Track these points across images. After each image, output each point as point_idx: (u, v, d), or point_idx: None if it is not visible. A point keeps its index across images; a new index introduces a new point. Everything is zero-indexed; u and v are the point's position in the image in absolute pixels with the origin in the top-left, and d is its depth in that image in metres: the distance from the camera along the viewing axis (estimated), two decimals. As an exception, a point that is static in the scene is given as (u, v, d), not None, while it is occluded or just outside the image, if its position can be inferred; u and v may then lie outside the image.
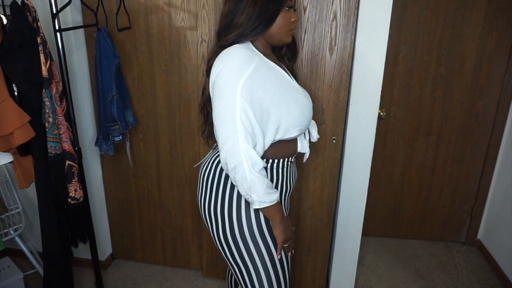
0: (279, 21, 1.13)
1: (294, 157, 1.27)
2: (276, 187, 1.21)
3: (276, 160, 1.18)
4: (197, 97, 1.83)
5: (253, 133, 1.05)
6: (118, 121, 1.76)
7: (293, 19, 1.17)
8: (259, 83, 1.05)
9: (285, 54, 1.32)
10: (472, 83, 2.18)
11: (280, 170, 1.21)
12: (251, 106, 1.03)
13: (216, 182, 1.19)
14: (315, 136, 1.32)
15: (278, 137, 1.13)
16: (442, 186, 2.41)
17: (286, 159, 1.22)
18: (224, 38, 1.13)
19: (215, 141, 1.21)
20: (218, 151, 1.21)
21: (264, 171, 1.08)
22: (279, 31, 1.15)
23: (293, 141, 1.23)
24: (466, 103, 2.22)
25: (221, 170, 1.19)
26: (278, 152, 1.18)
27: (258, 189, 1.05)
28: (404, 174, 2.42)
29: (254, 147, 1.06)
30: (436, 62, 2.16)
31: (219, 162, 1.20)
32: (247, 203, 1.16)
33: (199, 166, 1.33)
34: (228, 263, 1.23)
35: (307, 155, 1.32)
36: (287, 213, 1.28)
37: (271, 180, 1.19)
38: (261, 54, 1.14)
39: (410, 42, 2.14)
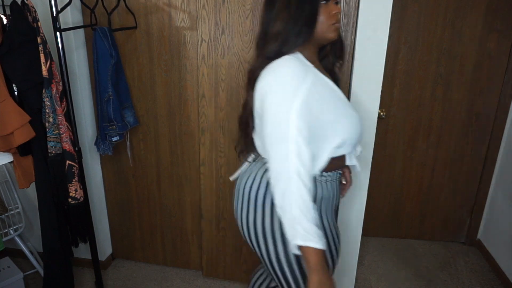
0: (320, 18, 1.02)
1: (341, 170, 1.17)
2: (328, 201, 1.12)
3: (327, 173, 1.09)
4: (197, 97, 1.83)
5: (307, 155, 0.94)
6: (114, 121, 1.75)
7: (334, 11, 1.03)
8: (316, 103, 0.97)
9: (329, 53, 1.18)
10: (472, 83, 2.18)
11: (330, 183, 1.11)
12: (307, 127, 0.94)
13: (269, 200, 1.08)
14: (358, 150, 1.19)
15: (332, 155, 1.05)
16: (442, 186, 2.41)
17: (336, 172, 1.13)
18: (267, 50, 1.02)
19: (251, 155, 1.22)
20: (265, 167, 1.11)
21: (314, 205, 0.97)
22: (321, 28, 1.03)
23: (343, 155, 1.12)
24: (466, 103, 2.22)
25: None
26: (329, 166, 1.08)
27: (305, 221, 0.92)
28: (404, 174, 2.42)
29: (307, 169, 0.95)
30: (436, 62, 2.16)
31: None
32: None
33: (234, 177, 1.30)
34: (278, 281, 1.14)
35: (358, 168, 1.18)
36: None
37: (321, 193, 1.10)
38: (312, 66, 1.04)
39: (410, 42, 2.14)
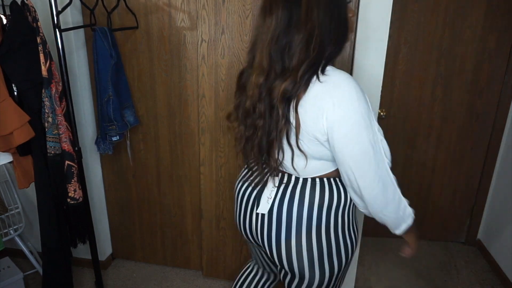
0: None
1: None
2: None
3: None
4: (197, 97, 1.83)
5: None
6: (114, 121, 1.75)
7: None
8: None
9: None
10: (472, 83, 2.18)
11: None
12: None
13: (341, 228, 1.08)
14: None
15: None
16: (442, 186, 2.41)
17: None
18: (312, 63, 0.91)
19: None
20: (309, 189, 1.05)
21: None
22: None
23: None
24: (466, 103, 2.22)
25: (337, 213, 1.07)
26: None
27: (406, 205, 1.03)
28: (404, 174, 2.42)
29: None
30: (436, 62, 2.16)
31: (337, 207, 1.06)
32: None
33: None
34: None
35: None
36: None
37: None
38: None
39: (410, 42, 2.14)
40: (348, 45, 1.58)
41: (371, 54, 1.60)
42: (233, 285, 1.49)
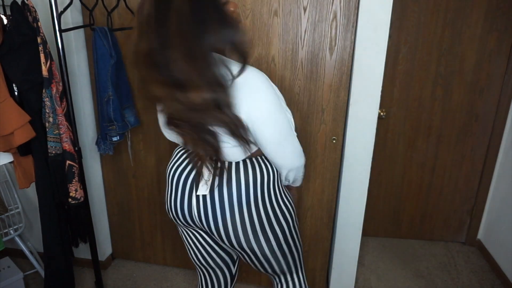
0: None
1: None
2: None
3: None
4: (197, 97, 1.82)
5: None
6: (114, 121, 1.75)
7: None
8: None
9: None
10: (472, 83, 2.18)
11: None
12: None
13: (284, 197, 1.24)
14: None
15: None
16: (442, 186, 2.41)
17: None
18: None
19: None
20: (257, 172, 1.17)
21: None
22: None
23: None
24: (466, 103, 2.22)
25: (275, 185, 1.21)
26: None
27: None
28: (404, 174, 2.42)
29: None
30: (436, 62, 2.16)
31: (268, 182, 1.19)
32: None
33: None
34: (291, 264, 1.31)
35: None
36: None
37: None
38: None
39: (410, 42, 2.14)
40: (348, 45, 1.58)
41: (371, 54, 1.60)
42: None
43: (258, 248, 1.20)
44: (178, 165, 1.24)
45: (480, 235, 2.47)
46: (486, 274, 2.23)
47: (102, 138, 1.82)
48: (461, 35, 2.10)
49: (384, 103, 2.23)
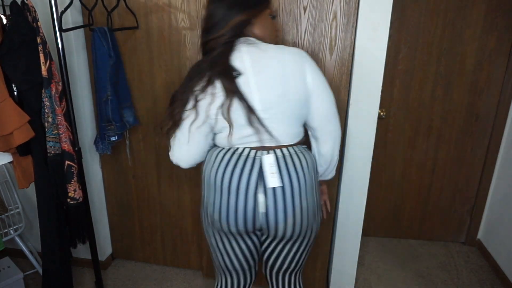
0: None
1: None
2: None
3: None
4: (197, 97, 1.82)
5: None
6: (113, 121, 1.75)
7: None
8: None
9: None
10: (472, 83, 2.18)
11: None
12: None
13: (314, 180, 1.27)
14: None
15: None
16: (442, 186, 2.41)
17: None
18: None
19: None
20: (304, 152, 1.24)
21: None
22: None
23: None
24: (466, 103, 2.22)
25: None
26: None
27: None
28: (404, 174, 2.42)
29: None
30: (436, 62, 2.16)
31: (315, 168, 1.27)
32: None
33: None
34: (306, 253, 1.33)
35: None
36: None
37: None
38: None
39: (410, 42, 2.14)
40: (348, 45, 1.58)
41: (371, 54, 1.60)
42: None
43: (311, 234, 1.26)
44: (224, 169, 1.18)
45: (480, 235, 2.46)
46: (486, 274, 2.23)
47: (100, 137, 1.82)
48: (461, 35, 2.10)
49: (384, 103, 2.23)
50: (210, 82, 1.12)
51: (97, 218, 2.11)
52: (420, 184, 2.43)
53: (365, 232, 2.22)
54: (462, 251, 2.45)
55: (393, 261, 2.35)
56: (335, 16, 1.55)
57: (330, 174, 1.37)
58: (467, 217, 2.46)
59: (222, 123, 1.15)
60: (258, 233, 1.28)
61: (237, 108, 1.12)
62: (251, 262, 1.35)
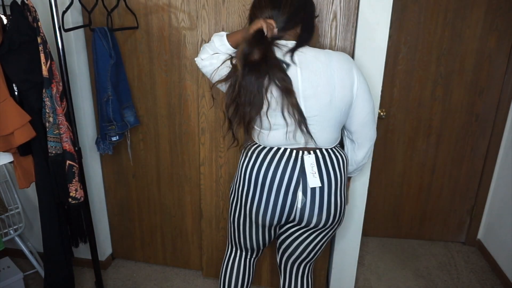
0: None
1: None
2: None
3: None
4: (197, 97, 1.83)
5: None
6: (114, 121, 1.75)
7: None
8: None
9: None
10: (472, 83, 2.18)
11: None
12: None
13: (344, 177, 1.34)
14: None
15: None
16: (442, 186, 2.41)
17: None
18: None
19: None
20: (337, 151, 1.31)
21: None
22: None
23: None
24: (466, 103, 2.22)
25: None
26: None
27: None
28: (404, 174, 2.42)
29: None
30: (436, 62, 2.16)
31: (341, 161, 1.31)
32: None
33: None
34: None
35: None
36: None
37: None
38: None
39: (410, 42, 2.14)
40: (348, 45, 1.58)
41: (371, 54, 1.60)
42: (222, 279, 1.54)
43: (337, 227, 1.33)
44: (267, 167, 1.26)
45: (480, 235, 2.47)
46: (486, 274, 2.23)
47: (101, 138, 1.82)
48: (461, 35, 2.10)
49: (384, 103, 2.24)
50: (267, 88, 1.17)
51: (97, 218, 2.11)
52: (420, 184, 2.43)
53: (365, 232, 2.22)
54: (462, 251, 2.45)
55: (393, 261, 2.35)
56: (335, 16, 1.55)
57: (357, 172, 1.46)
58: (467, 217, 2.46)
59: (275, 120, 1.21)
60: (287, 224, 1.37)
61: (289, 110, 1.18)
62: (267, 243, 1.47)
